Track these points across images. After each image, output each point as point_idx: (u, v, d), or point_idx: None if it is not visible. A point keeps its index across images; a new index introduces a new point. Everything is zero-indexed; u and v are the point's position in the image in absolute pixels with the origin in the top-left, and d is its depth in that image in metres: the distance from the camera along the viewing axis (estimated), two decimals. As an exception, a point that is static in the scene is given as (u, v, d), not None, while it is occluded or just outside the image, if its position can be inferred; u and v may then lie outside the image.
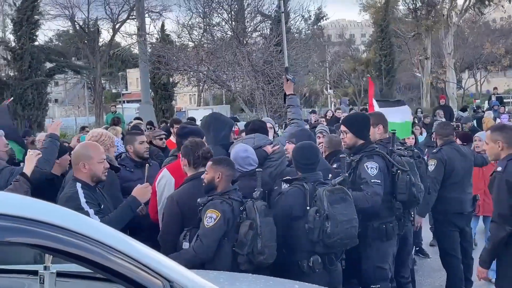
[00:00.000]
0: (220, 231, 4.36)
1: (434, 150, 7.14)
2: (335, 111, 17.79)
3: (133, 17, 30.11)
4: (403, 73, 42.70)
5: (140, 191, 4.73)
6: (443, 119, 14.13)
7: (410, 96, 43.57)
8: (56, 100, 60.77)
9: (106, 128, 13.24)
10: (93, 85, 35.16)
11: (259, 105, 14.69)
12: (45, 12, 28.72)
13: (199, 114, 20.73)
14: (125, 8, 32.88)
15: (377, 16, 38.32)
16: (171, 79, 27.11)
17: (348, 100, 34.06)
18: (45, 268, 2.75)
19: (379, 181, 5.10)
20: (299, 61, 16.23)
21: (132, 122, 14.07)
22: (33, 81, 20.54)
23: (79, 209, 4.27)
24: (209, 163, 4.60)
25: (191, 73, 16.13)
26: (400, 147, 5.81)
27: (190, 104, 52.18)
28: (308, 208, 4.55)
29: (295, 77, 15.53)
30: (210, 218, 4.34)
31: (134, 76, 46.92)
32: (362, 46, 62.20)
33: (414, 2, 38.07)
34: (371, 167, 5.13)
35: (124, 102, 48.67)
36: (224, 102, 36.40)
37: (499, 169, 4.89)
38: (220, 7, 15.84)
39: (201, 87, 31.37)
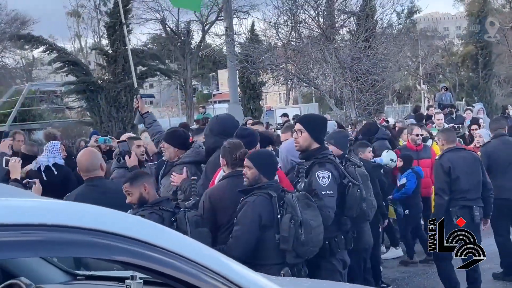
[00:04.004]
0: None
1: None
2: (427, 109, 17.10)
3: (222, 17, 30.44)
4: (501, 65, 40.64)
5: None
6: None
7: (510, 90, 41.53)
8: (151, 102, 62.66)
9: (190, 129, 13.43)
10: (184, 86, 35.90)
11: (347, 103, 14.39)
12: (137, 16, 29.64)
13: (288, 113, 20.61)
14: (214, 9, 33.36)
15: (472, 7, 36.71)
16: (259, 79, 27.14)
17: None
18: (132, 277, 2.69)
19: (332, 192, 4.60)
20: (389, 56, 15.76)
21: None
22: (126, 84, 21.07)
23: None
24: (127, 184, 4.49)
25: (277, 71, 16.05)
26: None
27: (280, 103, 52.29)
28: (278, 216, 4.23)
29: (383, 70, 15.14)
30: None
31: (225, 77, 47.55)
32: (457, 39, 60.02)
33: (512, -9, 36.27)
34: (323, 177, 4.60)
35: (215, 102, 49.39)
36: (314, 100, 36.06)
37: (437, 157, 7.01)
38: (307, 4, 15.64)
39: (289, 86, 31.37)
